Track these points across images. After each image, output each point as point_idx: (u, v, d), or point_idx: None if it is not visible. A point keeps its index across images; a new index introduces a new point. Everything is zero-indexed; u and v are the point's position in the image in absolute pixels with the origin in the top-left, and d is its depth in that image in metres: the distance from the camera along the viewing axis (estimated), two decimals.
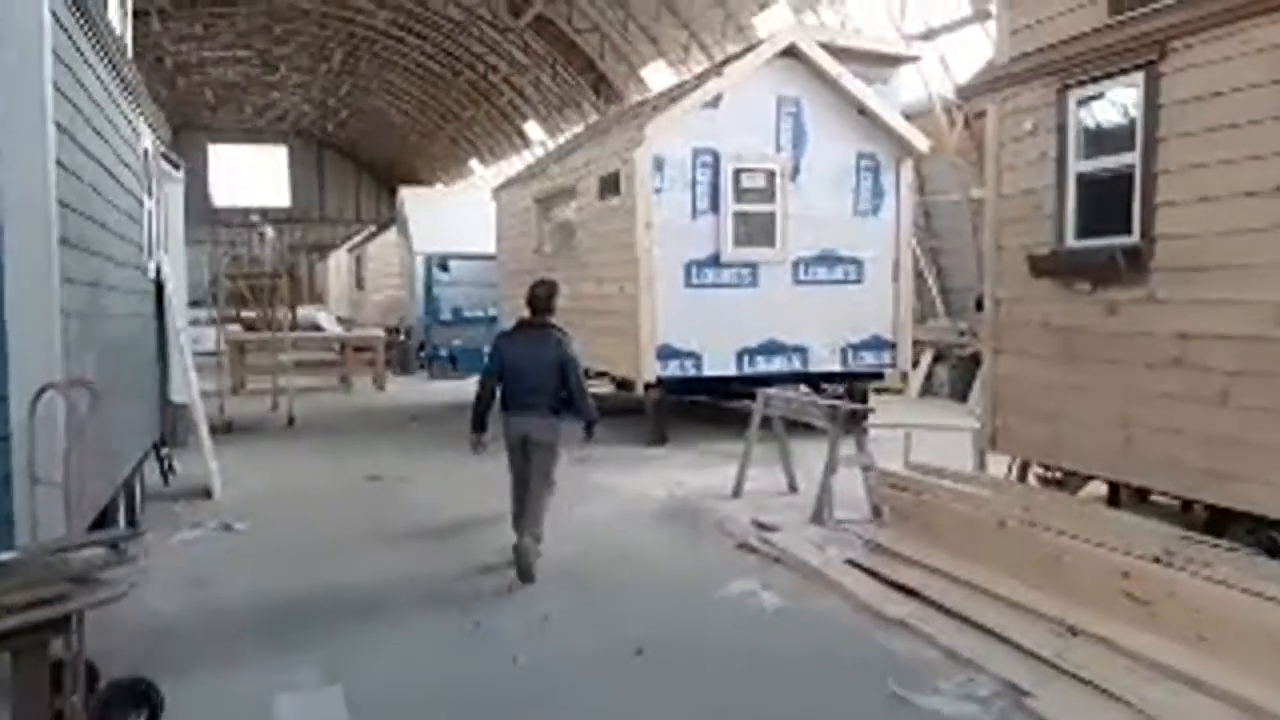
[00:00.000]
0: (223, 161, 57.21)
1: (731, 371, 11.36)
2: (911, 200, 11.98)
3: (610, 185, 11.82)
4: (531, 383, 6.42)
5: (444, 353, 20.11)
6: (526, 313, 6.69)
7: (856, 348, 11.81)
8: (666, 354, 11.11)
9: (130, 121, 7.53)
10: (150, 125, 8.77)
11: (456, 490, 9.14)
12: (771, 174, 11.38)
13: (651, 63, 24.68)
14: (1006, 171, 7.26)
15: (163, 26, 32.95)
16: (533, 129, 33.68)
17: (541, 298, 6.62)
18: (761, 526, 7.39)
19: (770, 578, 6.20)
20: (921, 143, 11.81)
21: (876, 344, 11.90)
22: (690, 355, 11.18)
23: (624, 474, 9.78)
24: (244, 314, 32.07)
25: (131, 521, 7.34)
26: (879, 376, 12.26)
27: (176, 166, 11.53)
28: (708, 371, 11.27)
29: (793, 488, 8.75)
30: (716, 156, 11.14)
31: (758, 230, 11.49)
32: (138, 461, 7.53)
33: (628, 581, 6.34)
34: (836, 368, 11.77)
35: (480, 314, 19.84)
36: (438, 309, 20.52)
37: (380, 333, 19.92)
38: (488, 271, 18.50)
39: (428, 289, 20.85)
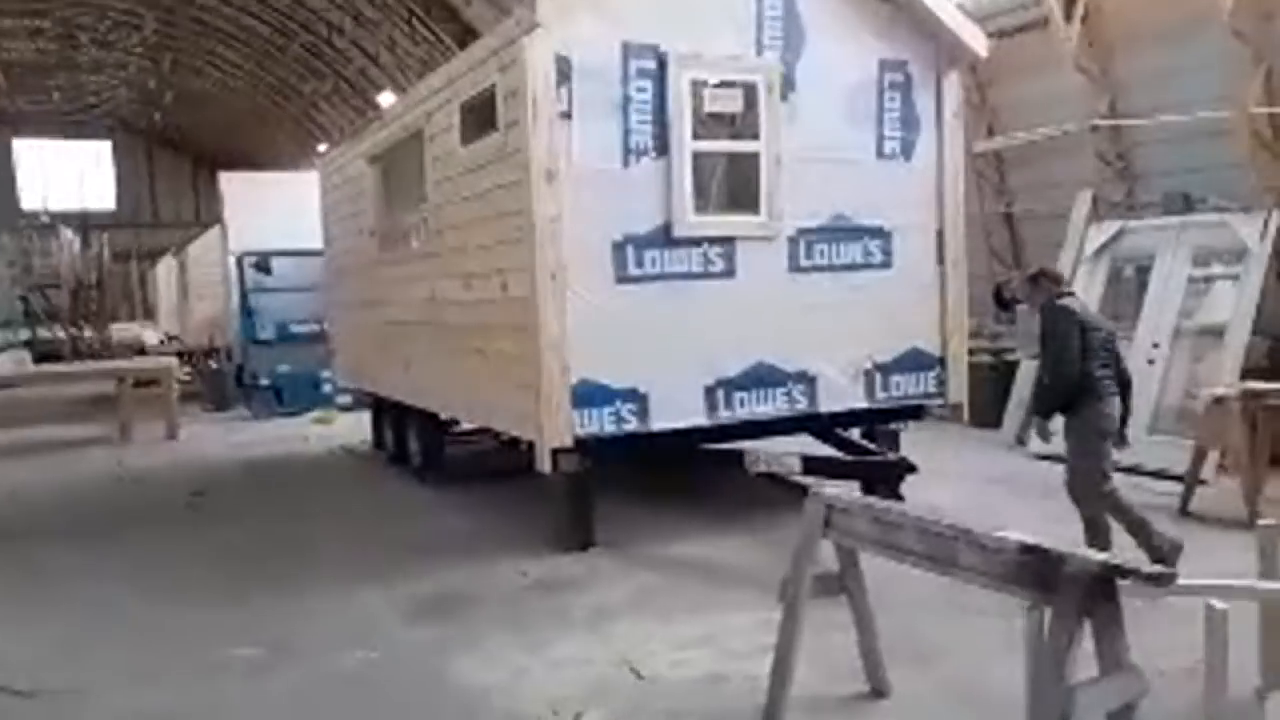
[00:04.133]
0: (34, 159, 50.26)
1: (699, 419, 6.76)
2: (960, 133, 7.63)
3: (481, 117, 7.08)
4: None
5: (265, 382, 14.92)
6: None
7: (886, 369, 7.36)
8: (589, 396, 6.46)
9: None
10: None
11: None
12: (751, 90, 6.84)
13: None
14: None
15: None
16: (389, 102, 28.43)
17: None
18: None
19: None
20: (978, 43, 7.46)
21: (916, 362, 7.45)
22: (629, 396, 6.57)
23: (511, 645, 5.08)
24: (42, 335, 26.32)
25: None
26: (918, 414, 7.82)
27: None
28: (658, 423, 6.64)
29: (878, 689, 4.24)
30: (662, 59, 6.53)
31: (732, 184, 7.00)
32: None
33: None
34: (859, 403, 7.30)
35: (316, 328, 14.72)
36: (256, 323, 15.31)
37: (172, 360, 14.56)
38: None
39: (243, 297, 15.62)
